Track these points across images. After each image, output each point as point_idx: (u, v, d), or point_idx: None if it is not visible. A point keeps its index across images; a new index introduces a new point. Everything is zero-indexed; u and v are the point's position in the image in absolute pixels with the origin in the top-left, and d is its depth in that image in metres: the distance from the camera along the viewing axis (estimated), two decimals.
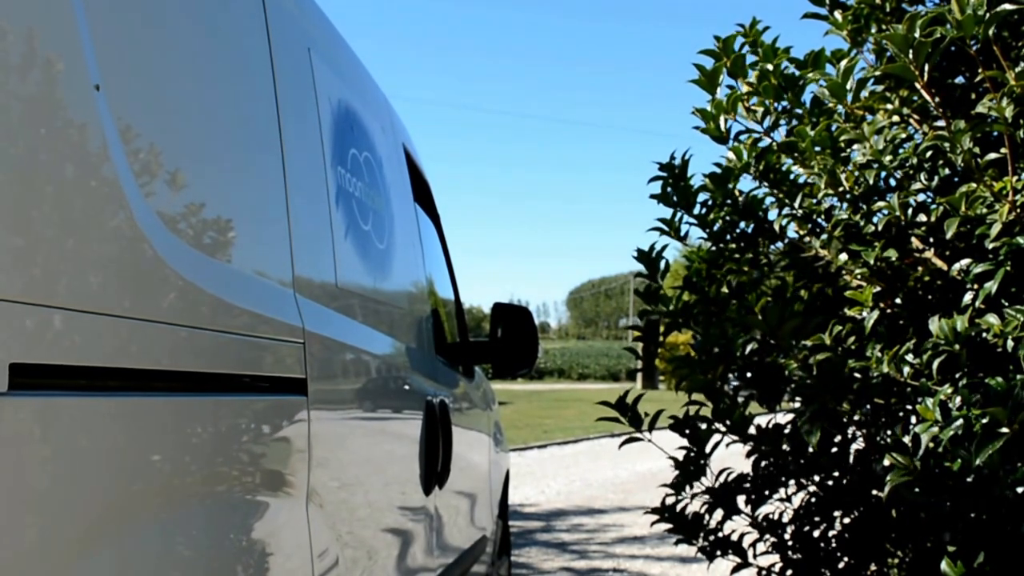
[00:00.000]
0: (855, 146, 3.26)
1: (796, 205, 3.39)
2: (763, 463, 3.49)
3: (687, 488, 3.54)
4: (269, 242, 1.98)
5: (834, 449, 3.34)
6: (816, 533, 3.50)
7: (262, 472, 1.78)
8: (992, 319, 2.73)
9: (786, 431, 3.37)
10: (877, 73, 3.17)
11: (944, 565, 2.77)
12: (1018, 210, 2.80)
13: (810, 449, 3.25)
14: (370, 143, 2.99)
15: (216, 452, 1.61)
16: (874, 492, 3.22)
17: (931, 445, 2.71)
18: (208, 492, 1.58)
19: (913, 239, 3.18)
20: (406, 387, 2.95)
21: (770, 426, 3.42)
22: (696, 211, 3.59)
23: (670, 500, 3.58)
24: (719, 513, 3.55)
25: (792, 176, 3.48)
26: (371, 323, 2.65)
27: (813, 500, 3.50)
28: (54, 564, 1.17)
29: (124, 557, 1.32)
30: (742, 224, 3.61)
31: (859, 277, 3.20)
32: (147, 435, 1.41)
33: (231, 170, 1.87)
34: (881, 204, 3.17)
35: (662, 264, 3.62)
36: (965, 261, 2.96)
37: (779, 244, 3.57)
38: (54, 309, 1.20)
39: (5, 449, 1.10)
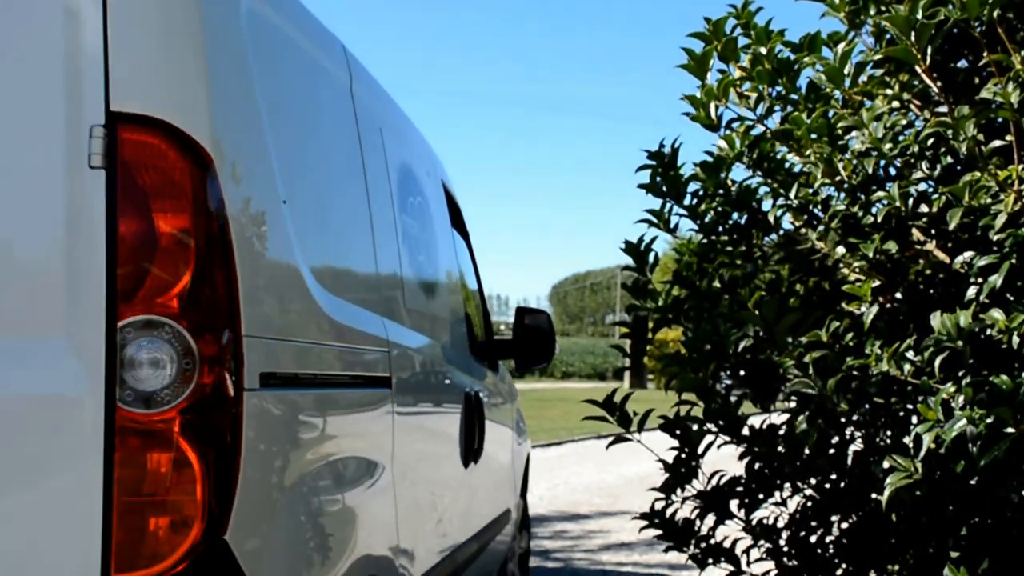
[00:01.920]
0: (853, 133, 3.25)
1: (791, 195, 3.39)
2: (757, 465, 3.49)
3: (677, 492, 3.54)
4: (365, 281, 3.02)
5: (831, 451, 3.35)
6: (813, 539, 3.51)
7: (370, 438, 2.82)
8: (997, 314, 2.73)
9: (781, 432, 3.37)
10: (876, 57, 3.17)
11: (947, 572, 2.78)
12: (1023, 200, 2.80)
13: (806, 451, 3.25)
14: (420, 188, 4.05)
15: (345, 424, 2.68)
16: (873, 496, 3.22)
17: (933, 447, 2.71)
18: (340, 450, 2.58)
19: (914, 231, 3.18)
20: (450, 381, 3.93)
21: (764, 427, 3.42)
22: (686, 202, 3.59)
23: (659, 505, 3.58)
24: (711, 518, 3.55)
25: (787, 165, 3.47)
26: (427, 333, 3.66)
27: (809, 504, 3.50)
28: (280, 478, 2.19)
29: (302, 488, 2.30)
30: (735, 215, 3.61)
31: (857, 271, 3.20)
32: (314, 409, 2.44)
33: (345, 230, 2.93)
34: (880, 194, 3.17)
35: (651, 257, 3.62)
36: (968, 254, 2.97)
37: (774, 236, 3.57)
38: (275, 340, 2.18)
39: (258, 414, 2.06)
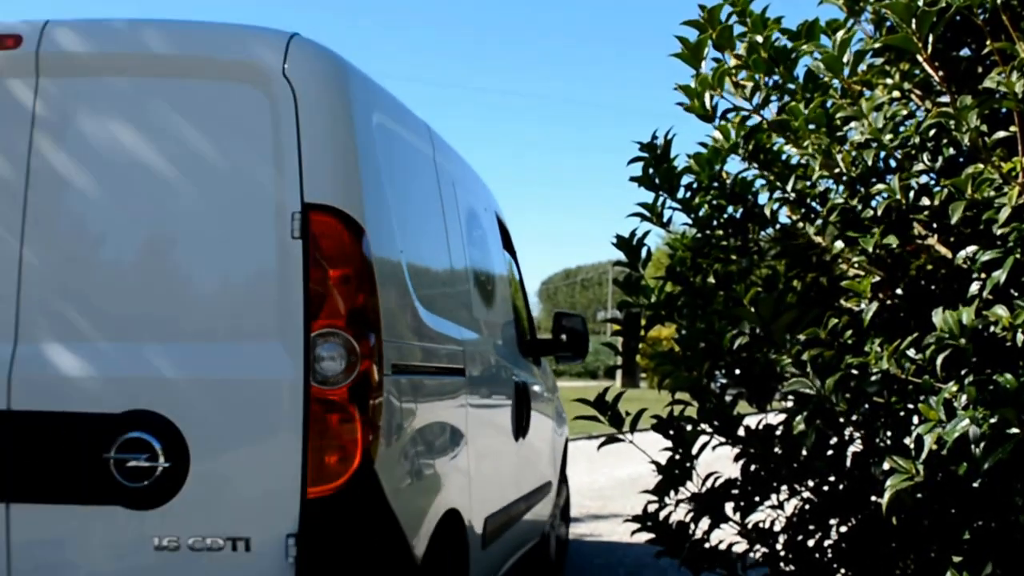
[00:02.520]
0: (852, 124, 3.24)
1: (788, 188, 3.37)
2: (753, 467, 3.47)
3: (671, 494, 3.52)
4: (447, 300, 4.28)
5: (830, 452, 3.33)
6: (811, 543, 3.49)
7: (452, 409, 4.07)
8: (1001, 311, 2.71)
9: (778, 433, 3.35)
10: (876, 45, 3.15)
11: None
12: None
13: (804, 452, 3.23)
14: (481, 223, 5.42)
15: (438, 398, 3.96)
16: (873, 498, 3.21)
17: (935, 448, 2.69)
18: (435, 415, 3.90)
19: (915, 225, 3.16)
20: (504, 372, 5.08)
21: (760, 427, 3.40)
22: (680, 195, 3.57)
23: (652, 507, 3.56)
24: (705, 522, 3.53)
25: (784, 157, 3.46)
26: (488, 335, 4.94)
27: (807, 507, 3.48)
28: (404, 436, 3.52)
29: (414, 438, 3.61)
30: (730, 209, 3.59)
31: (857, 266, 3.18)
32: (421, 388, 3.70)
33: (433, 264, 4.22)
34: (880, 187, 3.15)
35: (644, 252, 3.60)
36: (971, 248, 2.95)
37: (770, 230, 3.55)
38: (400, 342, 3.42)
39: (390, 391, 3.27)
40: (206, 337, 3.29)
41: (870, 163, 3.14)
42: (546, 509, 6.35)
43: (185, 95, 3.37)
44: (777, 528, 3.54)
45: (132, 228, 3.36)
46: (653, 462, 3.55)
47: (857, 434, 3.31)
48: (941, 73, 3.00)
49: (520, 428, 5.27)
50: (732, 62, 3.42)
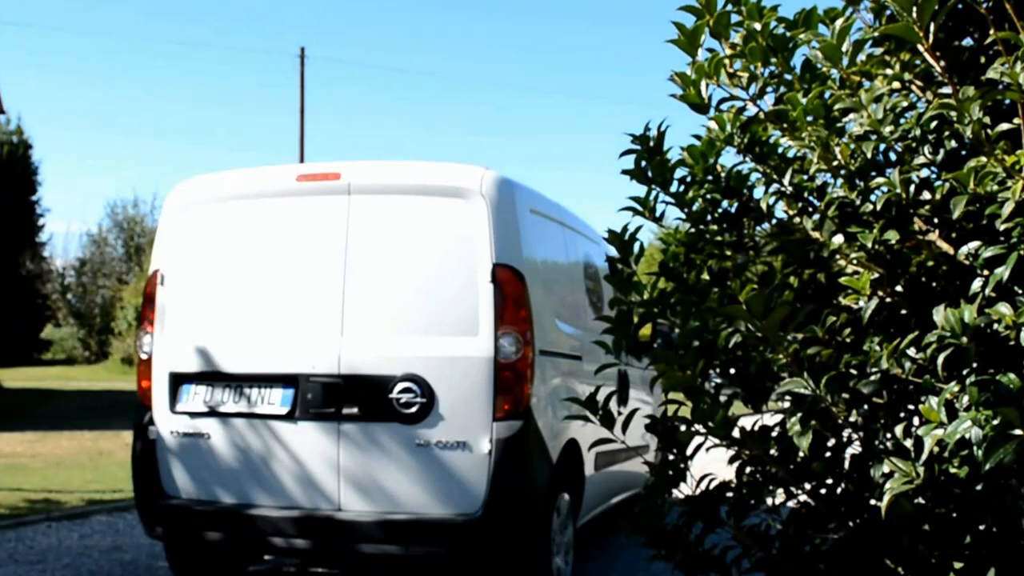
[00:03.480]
0: (851, 115, 3.23)
1: (785, 182, 3.36)
2: (748, 469, 3.47)
3: (664, 497, 3.51)
4: (571, 312, 7.72)
5: (827, 454, 3.33)
6: (808, 548, 3.49)
7: (574, 380, 7.36)
8: (1004, 308, 2.71)
9: (774, 434, 3.35)
10: (876, 34, 3.14)
11: None
12: None
13: (800, 454, 3.23)
14: (593, 260, 8.76)
15: (566, 372, 7.20)
16: (872, 502, 3.21)
17: (936, 450, 2.69)
18: (564, 382, 7.14)
19: (916, 220, 3.16)
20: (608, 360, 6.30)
21: (756, 428, 3.40)
22: (673, 188, 3.56)
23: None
24: (699, 525, 3.53)
25: (781, 149, 3.45)
26: (597, 335, 5.41)
27: (804, 511, 3.48)
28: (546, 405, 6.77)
29: (551, 395, 6.84)
30: (724, 203, 3.58)
31: (855, 262, 3.18)
32: (557, 365, 7.01)
33: (564, 292, 7.84)
34: (880, 180, 3.14)
35: (636, 247, 3.59)
36: (974, 244, 2.95)
37: (766, 225, 3.54)
38: (544, 337, 6.77)
39: (538, 365, 6.51)
40: (443, 333, 6.41)
41: (869, 156, 3.13)
42: (643, 468, 7.95)
43: (430, 204, 6.63)
44: (773, 532, 3.54)
45: (403, 274, 6.62)
46: (646, 463, 3.54)
47: (855, 436, 3.31)
48: (943, 63, 3.00)
49: (621, 398, 8.29)
50: (728, 51, 3.41)
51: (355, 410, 6.52)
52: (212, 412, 6.95)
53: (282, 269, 7.01)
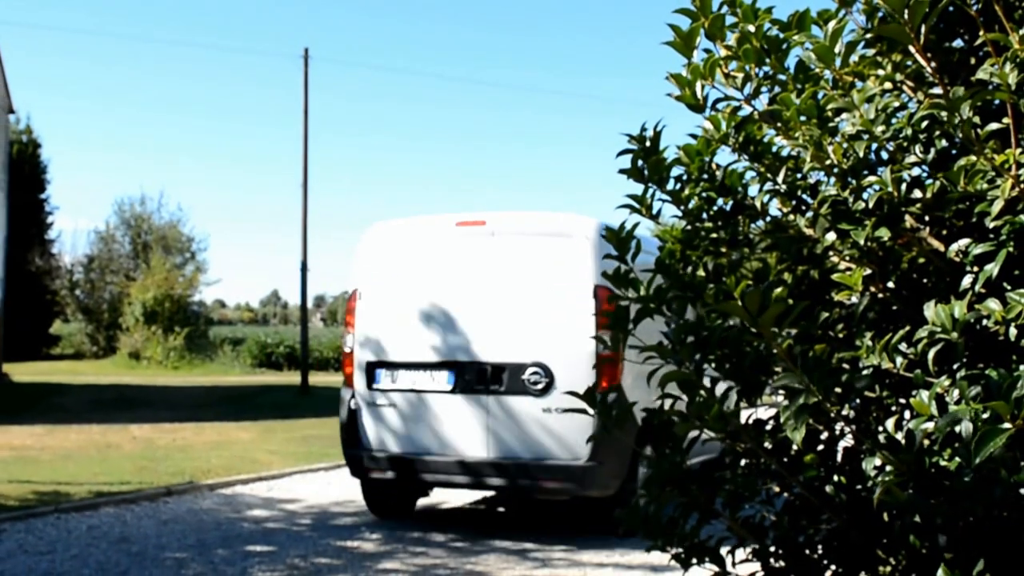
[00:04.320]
0: (844, 115, 3.22)
1: (779, 180, 3.36)
2: (743, 462, 3.46)
3: (660, 490, 3.51)
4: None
5: (820, 447, 3.33)
6: (801, 539, 3.48)
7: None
8: (993, 304, 2.71)
9: (768, 427, 3.34)
10: (868, 36, 3.14)
11: (940, 573, 2.76)
12: (1021, 186, 2.77)
13: (794, 447, 3.22)
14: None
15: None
16: (864, 493, 3.20)
17: (926, 442, 2.69)
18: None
19: (907, 217, 3.15)
20: None
21: (750, 422, 3.39)
22: (669, 187, 3.55)
23: (642, 502, 3.56)
24: (695, 516, 3.52)
25: (775, 148, 3.44)
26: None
27: (797, 502, 3.47)
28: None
29: (636, 378, 9.30)
30: (720, 201, 3.57)
31: (848, 258, 3.18)
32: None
33: None
34: (872, 179, 3.14)
35: (632, 244, 3.59)
36: (964, 241, 2.94)
37: (760, 223, 3.54)
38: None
39: (627, 357, 9.01)
40: (560, 333, 9.19)
41: (861, 155, 3.12)
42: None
43: (549, 243, 9.48)
44: (767, 524, 3.54)
45: (531, 291, 9.23)
46: (643, 456, 3.54)
47: (848, 429, 3.31)
48: (934, 64, 2.99)
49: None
50: (723, 52, 3.41)
51: (498, 387, 9.74)
52: (397, 389, 10.23)
53: (445, 287, 10.18)
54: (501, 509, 12.21)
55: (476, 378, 9.87)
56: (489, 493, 12.45)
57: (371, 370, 10.38)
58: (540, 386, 9.51)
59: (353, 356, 10.49)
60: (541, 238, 9.86)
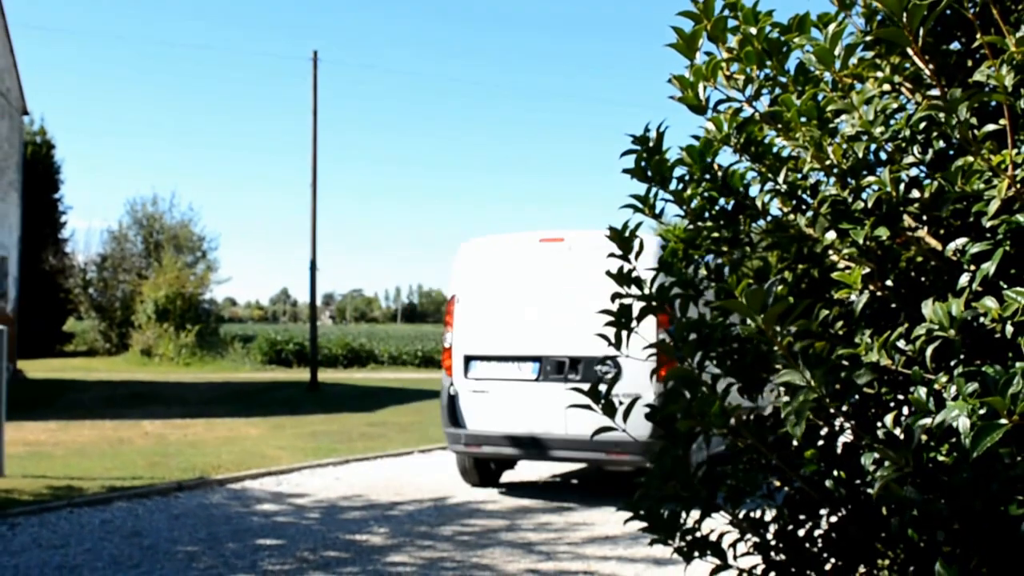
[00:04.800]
0: (843, 116, 3.23)
1: (780, 180, 3.37)
2: (744, 457, 3.47)
3: (663, 484, 3.52)
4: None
5: (820, 442, 3.33)
6: (801, 533, 3.49)
7: None
8: (990, 302, 2.71)
9: (769, 423, 3.35)
10: (867, 38, 3.14)
11: (938, 566, 2.76)
12: (1018, 185, 2.78)
13: (795, 442, 3.23)
14: None
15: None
16: (863, 488, 3.21)
17: (924, 438, 2.70)
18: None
19: (905, 217, 3.16)
20: None
21: (752, 418, 3.40)
22: (672, 187, 3.56)
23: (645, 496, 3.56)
24: (697, 511, 3.53)
25: (775, 149, 3.45)
26: None
27: (798, 497, 3.48)
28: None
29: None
30: (721, 201, 3.58)
31: (847, 257, 3.18)
32: None
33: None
34: (871, 179, 3.14)
35: (636, 243, 3.59)
36: (961, 240, 2.95)
37: (761, 222, 3.55)
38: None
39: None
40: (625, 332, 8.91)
41: (861, 155, 3.13)
42: None
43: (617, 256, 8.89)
44: (768, 518, 3.55)
45: (601, 297, 6.88)
46: (646, 451, 3.55)
47: (847, 425, 3.31)
48: (931, 66, 3.00)
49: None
50: (724, 54, 3.42)
51: (575, 376, 11.26)
52: (489, 378, 11.94)
53: (530, 293, 11.81)
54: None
55: (556, 369, 11.50)
56: (492, 493, 12.48)
57: (467, 362, 12.18)
58: (610, 376, 10.77)
59: (452, 350, 12.32)
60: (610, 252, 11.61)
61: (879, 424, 3.08)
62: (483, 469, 12.87)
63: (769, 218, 3.49)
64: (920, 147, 3.13)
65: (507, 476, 13.60)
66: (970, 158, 2.84)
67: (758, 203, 3.44)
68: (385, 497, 11.99)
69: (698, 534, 3.54)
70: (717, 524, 3.54)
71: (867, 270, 3.14)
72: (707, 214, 3.58)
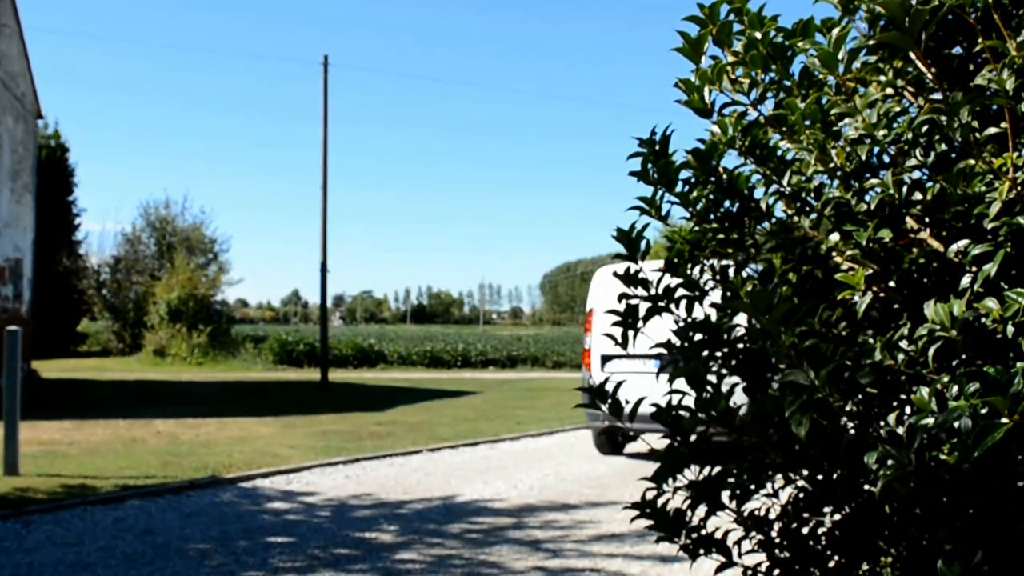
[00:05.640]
0: (847, 120, 3.24)
1: (784, 183, 3.37)
2: (749, 456, 3.47)
3: (669, 482, 3.52)
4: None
5: (824, 441, 3.33)
6: (805, 530, 3.50)
7: None
8: (991, 303, 2.72)
9: (774, 421, 3.35)
10: (871, 43, 3.14)
11: (940, 564, 2.77)
12: (1018, 188, 2.78)
13: (799, 441, 3.23)
14: None
15: None
16: (866, 487, 3.21)
17: (926, 438, 2.70)
18: None
19: (908, 219, 3.16)
20: None
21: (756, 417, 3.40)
22: (678, 189, 3.57)
23: (651, 495, 3.57)
24: (702, 509, 3.54)
25: (780, 152, 3.46)
26: None
27: (802, 495, 3.49)
28: None
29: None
30: (727, 203, 3.58)
31: (850, 259, 3.18)
32: None
33: None
34: (874, 181, 3.15)
35: (643, 245, 3.60)
36: (963, 242, 2.95)
37: (766, 224, 3.55)
38: None
39: None
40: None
41: (864, 158, 3.14)
42: None
43: None
44: (772, 516, 3.55)
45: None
46: (651, 450, 3.55)
47: (851, 424, 3.31)
48: (934, 70, 3.00)
49: None
50: (730, 58, 3.42)
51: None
52: (621, 372, 13.66)
53: None
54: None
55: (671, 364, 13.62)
56: (499, 491, 12.51)
57: (603, 361, 15.13)
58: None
59: (591, 351, 15.40)
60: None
61: (882, 423, 3.09)
62: (613, 441, 16.22)
63: (774, 220, 3.49)
64: (922, 150, 3.13)
65: (512, 480, 13.61)
66: (972, 161, 2.85)
67: (763, 205, 3.45)
68: (394, 495, 12.00)
69: (703, 532, 3.54)
70: (722, 522, 3.54)
71: (870, 271, 3.14)
72: (712, 216, 3.59)
